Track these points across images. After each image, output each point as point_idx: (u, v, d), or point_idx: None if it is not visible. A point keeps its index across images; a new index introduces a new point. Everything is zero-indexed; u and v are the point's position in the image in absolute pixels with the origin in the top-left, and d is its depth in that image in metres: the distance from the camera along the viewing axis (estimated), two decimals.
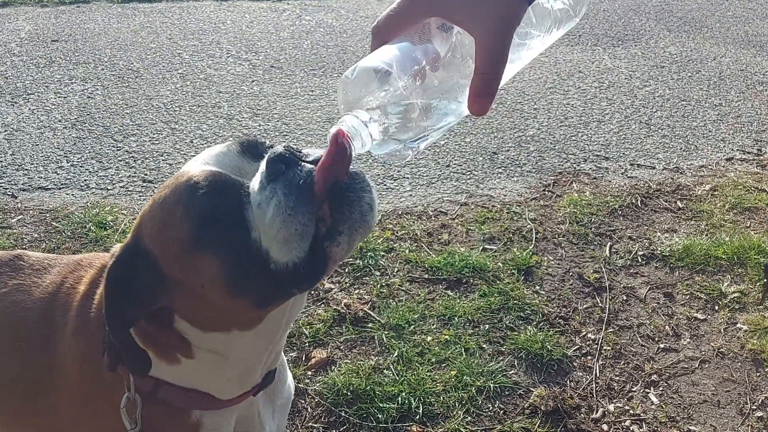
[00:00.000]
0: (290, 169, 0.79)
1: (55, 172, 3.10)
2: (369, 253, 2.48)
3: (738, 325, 2.24)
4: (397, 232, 2.66)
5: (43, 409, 1.09)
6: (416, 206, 2.87)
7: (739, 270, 2.48)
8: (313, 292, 2.30)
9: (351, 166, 0.78)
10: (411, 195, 2.98)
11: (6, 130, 3.46)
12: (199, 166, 0.88)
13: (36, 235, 2.62)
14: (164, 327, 0.94)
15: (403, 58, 0.77)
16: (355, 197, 0.80)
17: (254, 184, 0.83)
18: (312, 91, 4.05)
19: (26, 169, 3.12)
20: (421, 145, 0.78)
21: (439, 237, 2.66)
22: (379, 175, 3.09)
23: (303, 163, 0.80)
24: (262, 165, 0.83)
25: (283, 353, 1.16)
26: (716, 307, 2.32)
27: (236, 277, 0.84)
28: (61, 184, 3.01)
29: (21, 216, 2.76)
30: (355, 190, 0.80)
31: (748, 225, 2.76)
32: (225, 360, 0.97)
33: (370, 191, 0.82)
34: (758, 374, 2.05)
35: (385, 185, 3.03)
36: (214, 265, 0.84)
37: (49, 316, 1.07)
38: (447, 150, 3.38)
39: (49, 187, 2.99)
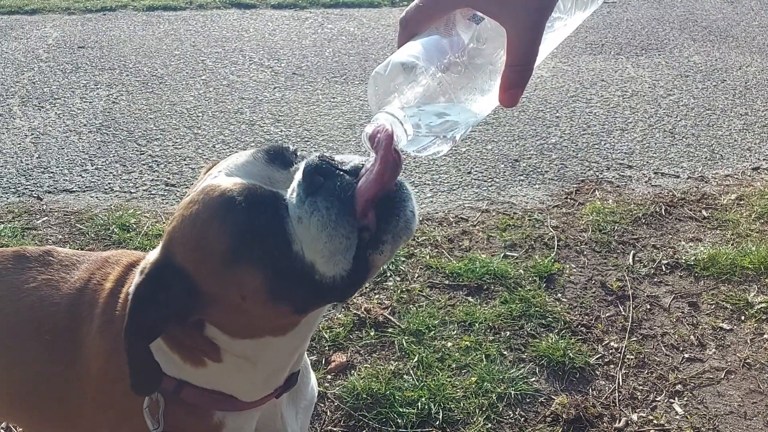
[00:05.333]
0: (329, 181, 0.78)
1: (80, 175, 3.14)
2: None
3: (765, 336, 2.19)
4: (417, 238, 2.65)
5: (65, 403, 1.10)
6: (437, 212, 2.87)
7: (766, 280, 2.43)
8: None
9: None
10: (432, 201, 2.97)
11: (33, 134, 3.52)
12: (229, 178, 0.86)
13: (60, 237, 2.66)
14: (194, 333, 0.94)
15: (432, 51, 0.77)
16: (400, 206, 0.80)
17: (292, 196, 0.82)
18: (333, 97, 4.06)
19: (52, 172, 3.16)
20: (456, 136, 0.78)
21: (460, 243, 2.64)
22: (416, 198, 3.09)
23: (341, 173, 0.79)
24: (298, 176, 0.82)
25: (306, 355, 1.16)
26: (742, 317, 2.28)
27: (279, 288, 0.82)
28: (86, 187, 3.05)
29: (46, 217, 2.80)
30: (399, 199, 0.80)
31: None
32: (252, 364, 0.97)
33: (411, 199, 0.82)
34: None
35: None
36: (256, 278, 0.82)
37: (75, 311, 1.08)
38: (468, 157, 3.37)
39: (74, 189, 3.03)
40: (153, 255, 0.93)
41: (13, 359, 1.12)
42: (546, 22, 0.74)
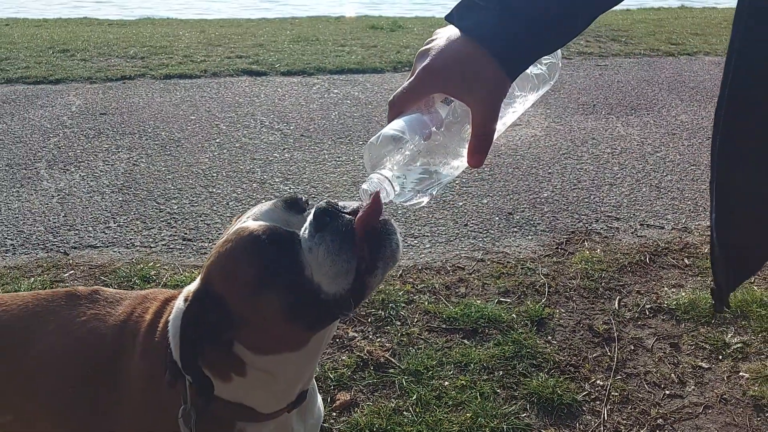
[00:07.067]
0: (334, 221, 1.02)
1: (104, 232, 3.38)
2: (390, 305, 2.67)
3: (740, 373, 2.35)
4: (416, 286, 2.85)
5: (108, 422, 1.28)
6: (435, 262, 3.07)
7: (743, 322, 2.60)
8: (338, 340, 2.48)
9: (382, 216, 1.00)
10: (430, 251, 3.18)
11: (59, 195, 3.78)
12: (255, 222, 1.09)
13: None
14: (224, 351, 1.13)
15: (415, 126, 0.99)
16: (386, 239, 1.03)
17: (304, 233, 1.05)
18: (339, 157, 4.34)
19: (77, 229, 3.40)
20: (434, 192, 1.00)
21: (457, 290, 2.84)
22: (400, 232, 3.31)
23: (342, 214, 1.03)
24: (310, 217, 1.05)
25: (314, 379, 1.35)
26: (720, 357, 2.44)
27: (294, 307, 1.04)
28: (109, 243, 3.27)
29: (72, 271, 3.01)
30: (386, 233, 1.03)
31: (753, 281, 2.89)
32: (272, 377, 1.16)
33: (396, 233, 1.05)
34: (759, 419, 2.16)
35: (406, 242, 3.24)
36: (277, 301, 1.04)
37: (120, 340, 1.27)
38: (465, 211, 3.60)
39: (98, 245, 3.26)
40: (192, 287, 1.14)
41: (65, 384, 1.31)
42: (500, 104, 0.96)
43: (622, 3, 1.07)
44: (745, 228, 1.00)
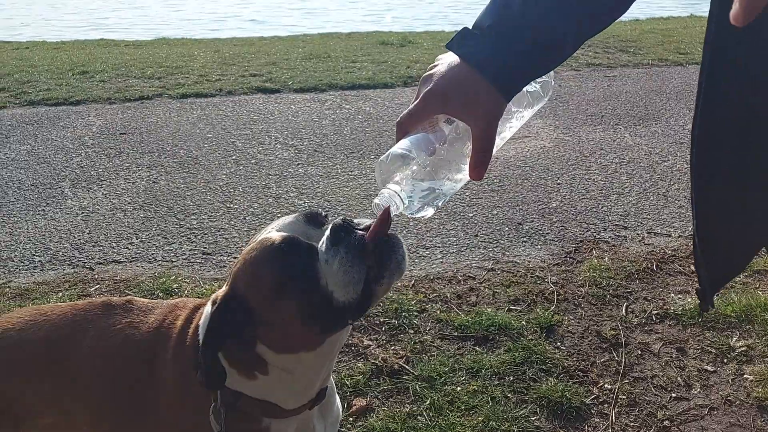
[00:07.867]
0: (348, 236, 1.13)
1: (126, 248, 3.50)
2: (403, 314, 2.77)
3: (745, 376, 2.41)
4: (428, 295, 2.94)
5: (145, 417, 1.39)
6: (446, 272, 3.16)
7: (747, 326, 2.67)
8: (353, 348, 2.58)
9: (390, 230, 1.10)
10: (442, 262, 3.27)
11: (83, 212, 3.92)
12: (278, 233, 1.20)
13: None
14: (248, 351, 1.24)
15: (420, 144, 1.10)
16: (393, 252, 1.14)
17: (321, 245, 1.16)
18: (351, 171, 4.45)
19: (101, 245, 3.53)
20: (439, 203, 1.10)
21: (468, 299, 2.92)
22: (413, 244, 3.41)
23: (356, 231, 1.13)
24: (327, 232, 1.16)
25: (332, 379, 1.45)
26: (725, 360, 2.51)
27: (309, 312, 1.15)
28: (132, 258, 3.40)
29: (98, 285, 3.14)
30: (392, 247, 1.14)
31: (758, 286, 2.96)
32: (292, 376, 1.26)
33: (402, 247, 1.16)
34: (763, 420, 2.22)
35: (418, 253, 3.34)
36: (294, 305, 1.15)
37: (153, 345, 1.38)
38: (475, 221, 3.69)
39: (122, 260, 3.38)
40: (220, 292, 1.25)
41: (104, 387, 1.41)
42: (497, 123, 1.06)
43: (629, 14, 1.17)
44: (722, 234, 1.08)
